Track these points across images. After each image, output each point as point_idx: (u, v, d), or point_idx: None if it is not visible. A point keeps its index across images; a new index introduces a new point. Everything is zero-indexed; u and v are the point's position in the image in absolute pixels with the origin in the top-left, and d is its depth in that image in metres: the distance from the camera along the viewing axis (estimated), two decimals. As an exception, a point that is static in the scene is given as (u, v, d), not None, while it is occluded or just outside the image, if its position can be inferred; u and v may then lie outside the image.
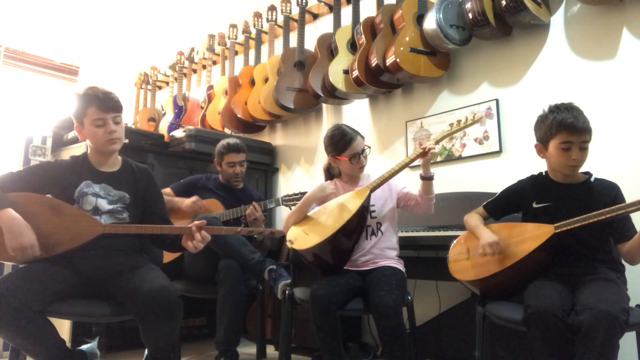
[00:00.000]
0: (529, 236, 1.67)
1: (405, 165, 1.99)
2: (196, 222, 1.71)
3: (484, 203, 1.91)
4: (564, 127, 1.65)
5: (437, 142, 2.00)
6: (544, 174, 1.83)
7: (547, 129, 1.70)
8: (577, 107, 1.70)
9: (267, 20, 3.78)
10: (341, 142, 2.06)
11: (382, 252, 2.04)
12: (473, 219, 1.87)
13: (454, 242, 1.90)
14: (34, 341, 1.52)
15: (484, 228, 1.78)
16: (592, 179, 1.75)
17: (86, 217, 1.70)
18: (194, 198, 2.60)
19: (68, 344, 2.40)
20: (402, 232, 2.29)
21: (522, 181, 1.87)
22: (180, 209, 2.58)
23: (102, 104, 1.75)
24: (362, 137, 2.11)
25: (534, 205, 1.78)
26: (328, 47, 3.24)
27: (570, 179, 1.75)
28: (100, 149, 1.82)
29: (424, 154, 1.95)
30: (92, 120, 1.76)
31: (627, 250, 1.65)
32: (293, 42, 3.53)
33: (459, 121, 2.09)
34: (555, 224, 1.62)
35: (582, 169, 1.74)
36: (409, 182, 2.19)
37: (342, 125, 2.12)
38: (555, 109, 1.70)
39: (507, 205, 1.89)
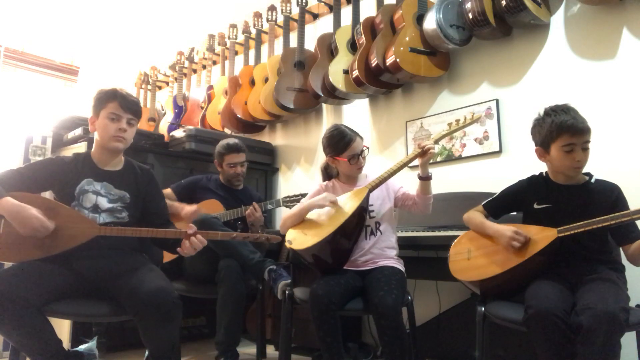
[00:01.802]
0: (532, 239, 1.66)
1: (404, 165, 2.00)
2: (189, 228, 1.71)
3: (484, 202, 1.91)
4: (565, 129, 1.63)
5: (436, 142, 2.00)
6: (544, 174, 1.83)
7: (547, 132, 1.68)
8: (573, 107, 1.69)
9: (267, 20, 3.78)
10: (340, 142, 2.06)
11: (382, 251, 2.04)
12: (477, 216, 1.86)
13: (455, 241, 1.89)
14: (30, 337, 1.51)
15: (495, 225, 1.77)
16: (592, 180, 1.75)
17: (83, 219, 1.70)
18: (194, 207, 2.58)
19: (68, 344, 2.41)
20: (402, 232, 2.28)
21: (522, 181, 1.86)
22: (179, 215, 2.56)
23: (124, 102, 1.82)
24: (361, 138, 2.11)
25: (535, 206, 1.77)
26: (328, 47, 3.24)
27: (572, 180, 1.74)
28: (105, 144, 1.83)
29: (423, 153, 1.95)
30: (108, 113, 1.81)
31: (632, 253, 1.64)
32: (293, 42, 3.53)
33: (457, 120, 2.09)
34: (559, 229, 1.61)
35: (583, 170, 1.74)
36: (408, 182, 2.19)
37: (340, 126, 2.12)
38: (552, 112, 1.69)
39: (507, 205, 1.89)
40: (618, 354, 1.37)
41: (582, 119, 1.66)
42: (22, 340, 1.53)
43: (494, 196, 1.90)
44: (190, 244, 1.70)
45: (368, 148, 2.13)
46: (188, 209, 2.56)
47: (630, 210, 1.53)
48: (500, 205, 1.88)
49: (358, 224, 1.95)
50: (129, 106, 1.83)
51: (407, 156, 2.02)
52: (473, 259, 1.79)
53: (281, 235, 2.01)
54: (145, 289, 1.60)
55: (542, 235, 1.65)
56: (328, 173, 2.22)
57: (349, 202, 1.95)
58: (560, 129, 1.64)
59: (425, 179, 1.99)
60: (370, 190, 1.98)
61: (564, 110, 1.67)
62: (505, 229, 1.71)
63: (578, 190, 1.74)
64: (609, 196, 1.70)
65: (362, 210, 1.95)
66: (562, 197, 1.74)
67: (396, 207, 2.12)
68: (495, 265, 1.69)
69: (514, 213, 1.93)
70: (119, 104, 1.81)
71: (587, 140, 1.66)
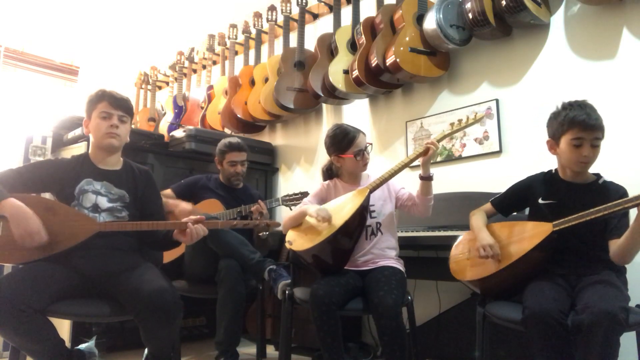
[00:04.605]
0: (528, 235, 1.67)
1: (405, 165, 1.99)
2: (192, 217, 1.73)
3: (492, 199, 1.91)
4: (575, 123, 1.65)
5: (438, 142, 2.00)
6: (553, 171, 1.83)
7: (559, 125, 1.70)
8: (591, 104, 1.70)
9: (267, 20, 3.78)
10: (344, 140, 2.06)
11: (382, 252, 2.04)
12: (477, 218, 1.87)
13: (457, 241, 1.89)
14: (33, 340, 1.51)
15: (483, 230, 1.79)
16: (600, 181, 1.75)
17: (82, 216, 1.71)
18: (190, 206, 2.57)
19: (68, 344, 2.41)
20: (402, 232, 2.28)
21: (532, 177, 1.87)
22: (174, 212, 2.54)
23: (113, 100, 1.85)
24: (364, 134, 2.12)
25: (540, 201, 1.78)
26: (328, 47, 3.24)
27: (579, 177, 1.75)
28: (99, 142, 1.84)
29: (425, 152, 1.95)
30: (99, 113, 1.83)
31: (616, 249, 1.62)
32: (293, 42, 3.53)
33: (459, 120, 2.08)
34: (554, 222, 1.62)
35: (591, 170, 1.75)
36: (409, 183, 2.19)
37: (342, 124, 2.12)
38: (569, 106, 1.71)
39: (514, 200, 1.89)
40: (617, 352, 1.37)
41: (597, 116, 1.67)
42: (25, 344, 1.53)
43: (503, 192, 1.90)
44: (190, 232, 1.71)
45: (371, 144, 2.14)
46: (183, 206, 2.55)
47: (621, 199, 1.52)
48: (508, 202, 1.88)
49: (360, 224, 1.95)
50: (118, 103, 1.85)
51: (408, 156, 2.01)
52: (472, 258, 1.79)
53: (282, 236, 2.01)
54: (146, 289, 1.59)
55: (537, 231, 1.65)
56: (330, 174, 2.21)
57: (350, 202, 1.95)
58: (571, 123, 1.66)
59: (426, 179, 1.98)
60: (372, 191, 1.97)
61: (580, 105, 1.69)
62: (482, 237, 1.74)
63: (584, 188, 1.74)
64: (613, 197, 1.69)
65: (364, 210, 1.94)
66: (568, 194, 1.74)
67: (397, 208, 2.12)
68: (492, 263, 1.70)
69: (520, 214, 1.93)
70: (108, 102, 1.83)
71: (598, 137, 1.66)
